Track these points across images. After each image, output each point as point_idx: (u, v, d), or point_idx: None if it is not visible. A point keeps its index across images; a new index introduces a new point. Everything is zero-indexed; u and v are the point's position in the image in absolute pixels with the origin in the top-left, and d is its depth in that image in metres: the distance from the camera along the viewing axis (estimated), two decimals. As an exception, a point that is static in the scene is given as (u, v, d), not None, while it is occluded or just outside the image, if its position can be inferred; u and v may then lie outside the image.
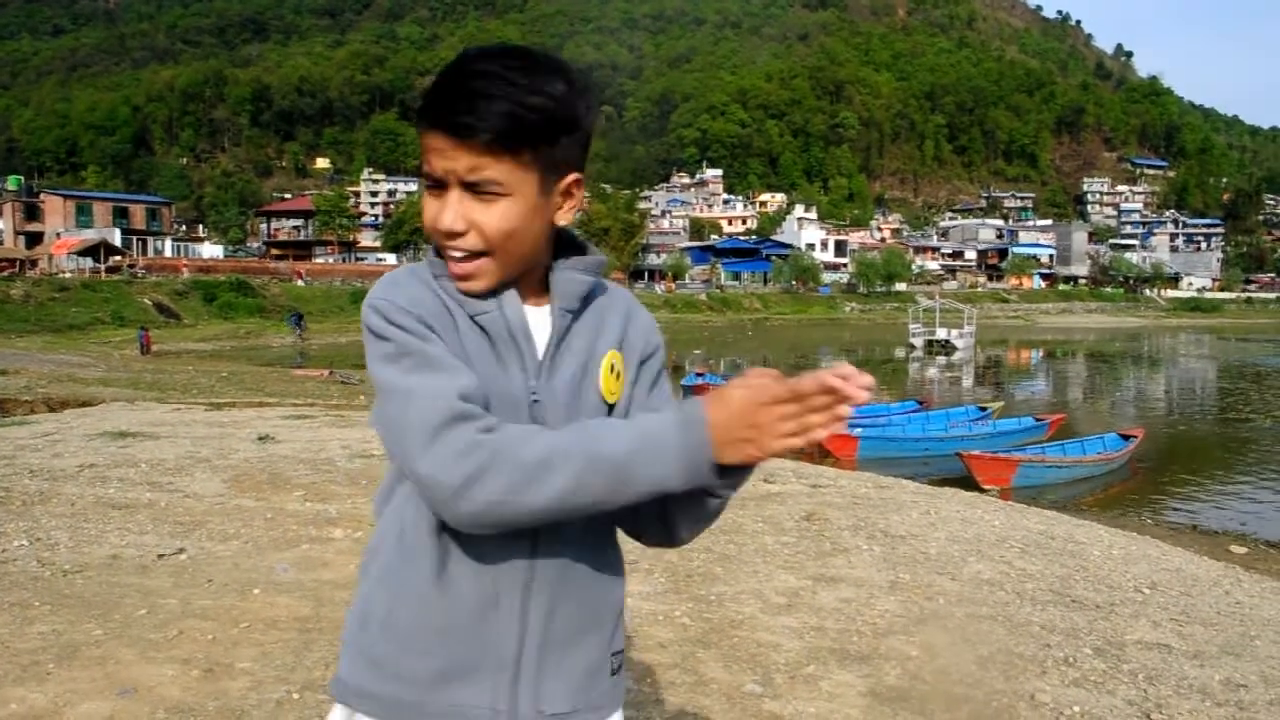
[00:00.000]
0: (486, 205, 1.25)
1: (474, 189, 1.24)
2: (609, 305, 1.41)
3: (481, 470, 1.14)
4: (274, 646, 4.27)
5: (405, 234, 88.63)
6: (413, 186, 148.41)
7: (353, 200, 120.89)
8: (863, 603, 5.23)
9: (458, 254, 1.28)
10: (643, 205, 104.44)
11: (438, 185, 1.27)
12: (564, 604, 1.32)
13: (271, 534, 6.23)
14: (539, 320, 1.35)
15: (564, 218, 1.33)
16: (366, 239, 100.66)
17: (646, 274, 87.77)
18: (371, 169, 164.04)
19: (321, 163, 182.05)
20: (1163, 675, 4.56)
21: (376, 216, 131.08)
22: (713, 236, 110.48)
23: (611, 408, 1.38)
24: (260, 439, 10.03)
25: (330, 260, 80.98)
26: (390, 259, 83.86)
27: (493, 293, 1.32)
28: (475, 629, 1.29)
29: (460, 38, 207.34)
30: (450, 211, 1.26)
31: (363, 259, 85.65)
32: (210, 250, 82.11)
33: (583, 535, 1.32)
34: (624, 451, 1.16)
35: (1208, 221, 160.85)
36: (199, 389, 19.05)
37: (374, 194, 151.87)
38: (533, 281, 1.36)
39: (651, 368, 1.43)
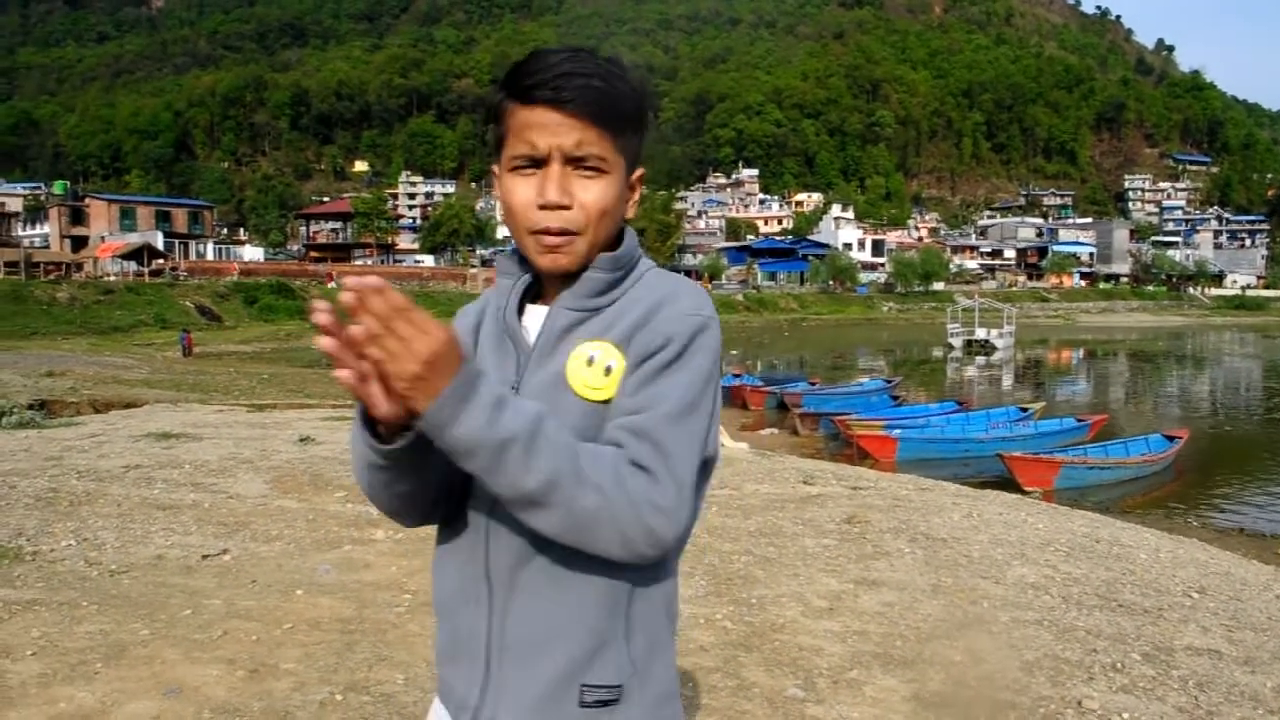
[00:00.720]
0: (587, 182, 1.28)
1: (579, 163, 1.27)
2: (634, 299, 1.31)
3: None
4: (317, 647, 4.30)
5: (443, 235, 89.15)
6: (450, 188, 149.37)
7: (390, 203, 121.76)
8: (905, 606, 5.18)
9: (554, 227, 1.27)
10: (679, 206, 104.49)
11: (532, 165, 1.28)
12: (515, 614, 1.28)
13: (314, 535, 6.27)
14: (538, 318, 1.37)
15: (631, 210, 1.38)
16: (405, 241, 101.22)
17: (683, 275, 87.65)
18: (409, 171, 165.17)
19: (360, 166, 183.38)
20: (1213, 682, 4.48)
21: (414, 219, 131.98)
22: (749, 237, 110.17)
23: (601, 404, 1.26)
24: (301, 440, 10.11)
25: (369, 262, 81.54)
26: (428, 260, 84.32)
27: (509, 288, 1.39)
28: (459, 614, 1.34)
29: (496, 40, 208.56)
30: (555, 184, 1.26)
31: (401, 261, 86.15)
32: (251, 253, 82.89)
33: (534, 539, 1.24)
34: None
35: (1252, 218, 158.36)
36: (240, 390, 19.26)
37: (411, 196, 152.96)
38: (557, 277, 1.35)
39: (654, 361, 1.25)
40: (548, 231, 1.28)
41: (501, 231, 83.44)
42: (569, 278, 1.32)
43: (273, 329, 46.63)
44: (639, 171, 1.37)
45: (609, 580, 1.26)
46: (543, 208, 1.27)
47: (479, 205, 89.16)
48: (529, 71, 1.26)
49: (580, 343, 1.29)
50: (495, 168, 1.36)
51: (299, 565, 5.58)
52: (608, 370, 1.27)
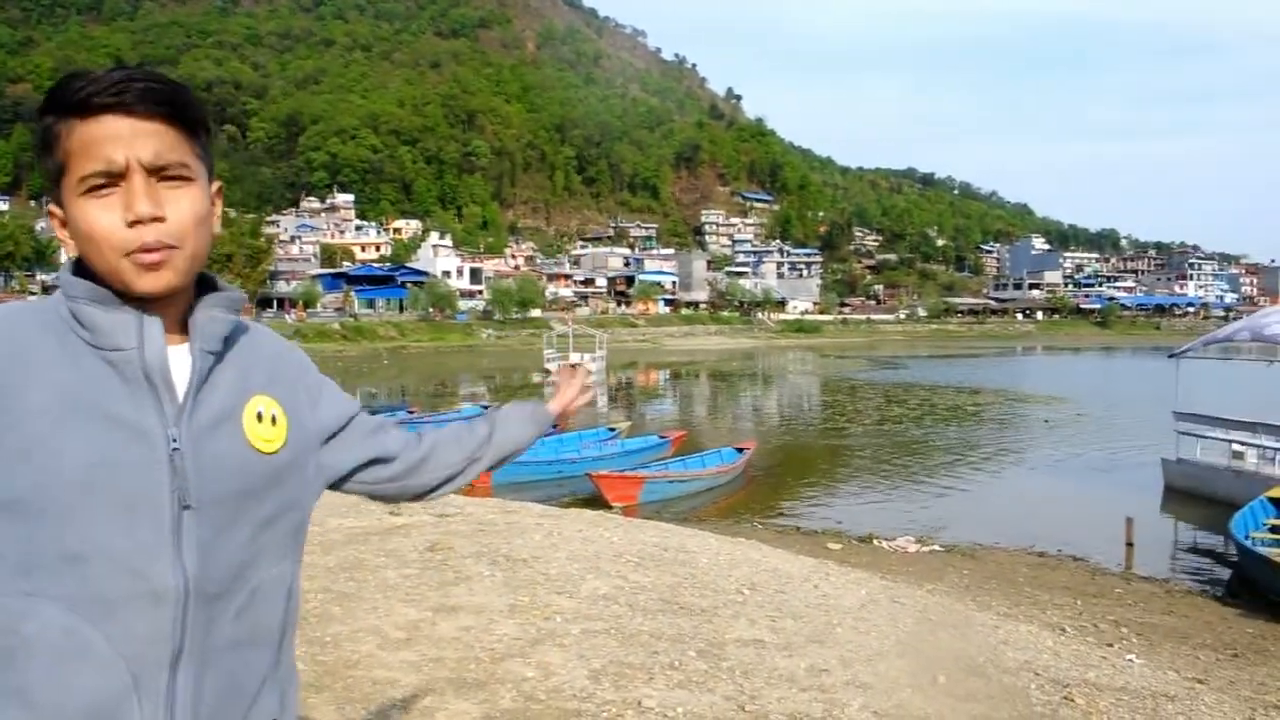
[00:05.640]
0: (175, 193, 1.19)
1: (161, 174, 1.18)
2: (252, 345, 1.33)
3: None
4: None
5: (-6, 258, 78.86)
6: (3, 205, 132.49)
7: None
8: (482, 629, 5.25)
9: (152, 242, 1.16)
10: (270, 230, 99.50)
11: (108, 183, 1.15)
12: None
13: None
14: (178, 360, 1.23)
15: (216, 225, 1.30)
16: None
17: (276, 302, 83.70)
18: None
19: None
20: (756, 669, 4.94)
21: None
22: (345, 263, 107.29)
23: (272, 455, 1.27)
24: None
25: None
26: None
27: (137, 326, 1.20)
28: None
29: (59, 43, 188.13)
30: (143, 196, 1.15)
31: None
32: None
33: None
34: None
35: (808, 251, 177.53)
36: None
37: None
38: (174, 316, 1.25)
39: (339, 405, 1.46)
40: (145, 249, 1.16)
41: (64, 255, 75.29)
42: (173, 309, 1.24)
43: None
44: (217, 183, 1.30)
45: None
46: (135, 223, 1.15)
47: (38, 225, 79.90)
48: (80, 85, 1.15)
49: (252, 396, 1.28)
50: (52, 206, 1.22)
51: None
52: (274, 420, 1.28)
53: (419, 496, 1.61)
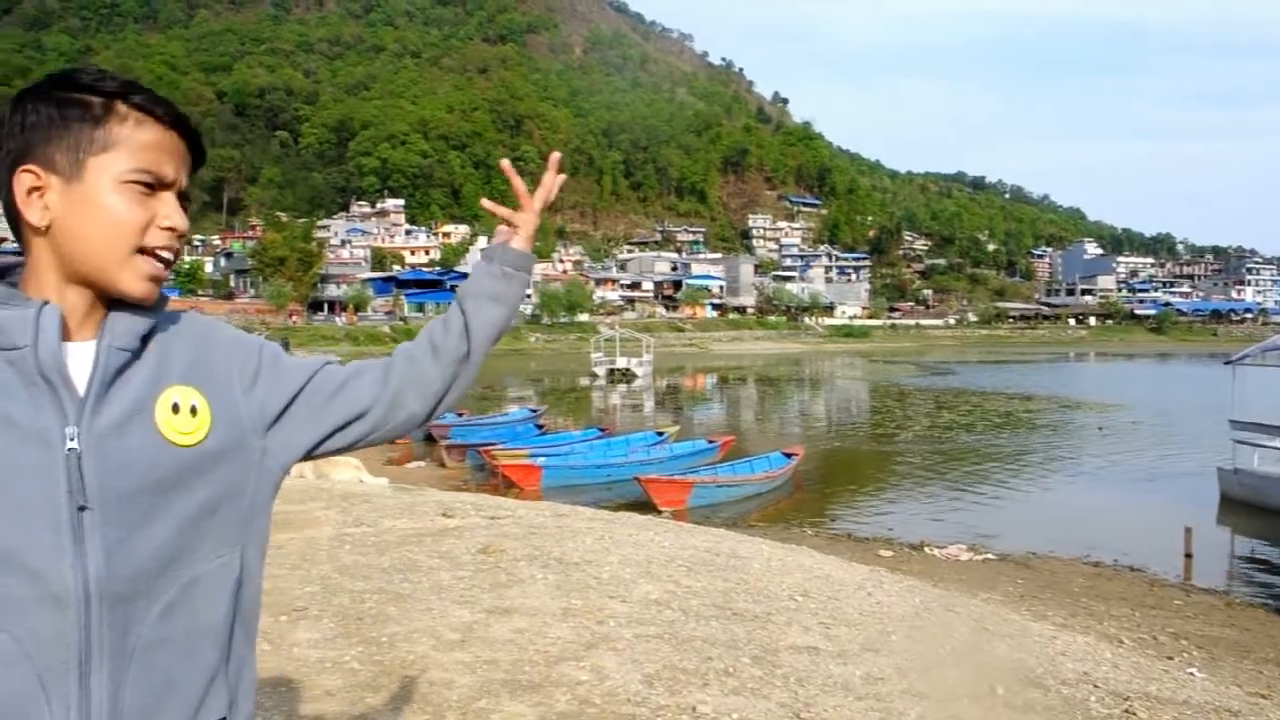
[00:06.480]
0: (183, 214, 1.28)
1: (182, 198, 1.26)
2: (175, 337, 1.29)
3: None
4: None
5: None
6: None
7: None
8: (535, 632, 5.26)
9: (167, 256, 1.24)
10: (321, 234, 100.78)
11: (149, 186, 1.22)
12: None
13: None
14: (81, 357, 1.19)
15: None
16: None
17: (326, 305, 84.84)
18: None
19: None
20: (811, 676, 4.91)
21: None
22: (395, 267, 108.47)
23: (194, 447, 1.23)
24: None
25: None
26: None
27: (34, 322, 1.16)
28: None
29: (117, 51, 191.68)
30: (179, 213, 1.25)
31: None
32: None
33: None
34: None
35: (856, 255, 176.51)
36: None
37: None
38: (82, 309, 1.22)
39: (285, 380, 1.36)
40: (160, 258, 1.23)
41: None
42: (86, 301, 1.22)
43: None
44: None
45: None
46: (169, 230, 1.23)
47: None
48: (145, 92, 1.22)
49: (166, 388, 1.23)
50: (35, 167, 1.18)
51: None
52: (194, 411, 1.25)
53: (416, 427, 1.51)
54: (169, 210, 1.23)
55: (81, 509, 1.14)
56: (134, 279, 1.20)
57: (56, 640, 1.13)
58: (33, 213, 1.19)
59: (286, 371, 1.37)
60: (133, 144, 1.20)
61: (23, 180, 1.19)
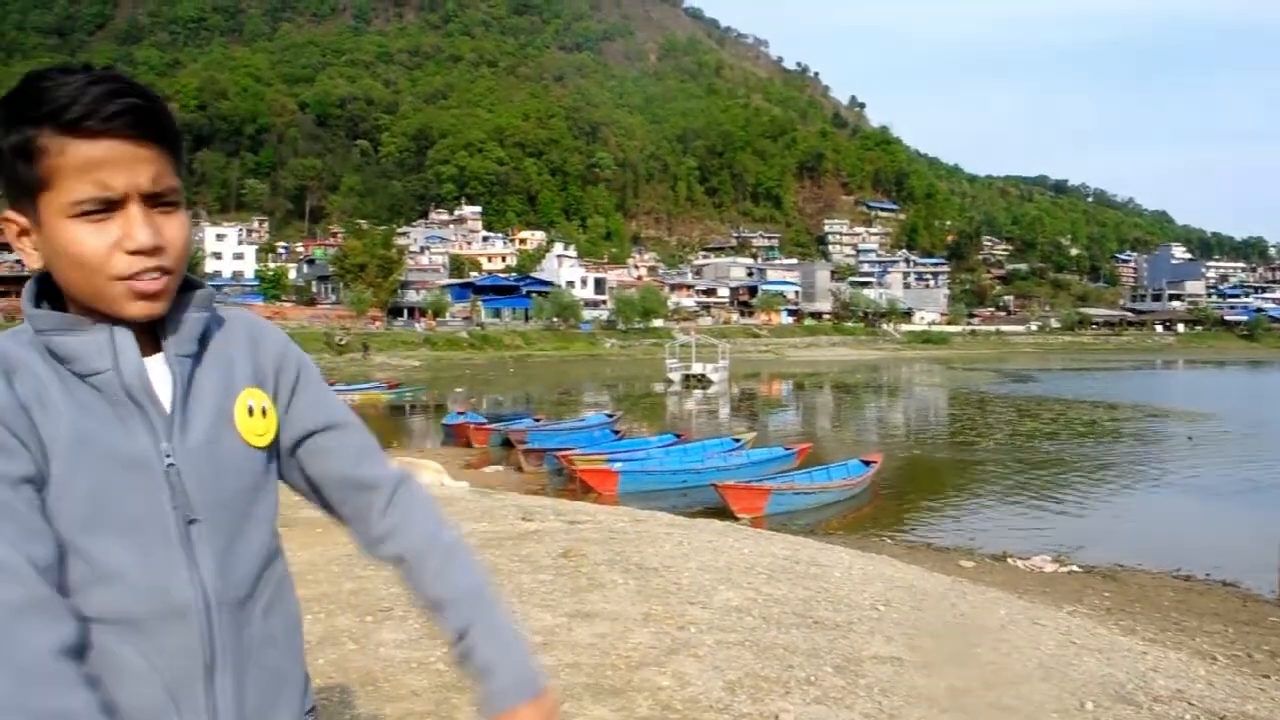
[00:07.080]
0: (168, 219, 1.17)
1: (156, 201, 1.15)
2: (229, 338, 1.29)
3: None
4: None
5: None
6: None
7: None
8: (617, 636, 5.28)
9: (152, 273, 1.15)
10: (400, 241, 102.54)
11: (102, 209, 1.12)
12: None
13: None
14: (156, 373, 1.20)
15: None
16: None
17: (406, 311, 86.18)
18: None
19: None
20: (895, 687, 4.85)
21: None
22: (472, 274, 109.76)
23: (266, 449, 1.28)
24: None
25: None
26: None
27: (110, 344, 1.17)
28: None
29: (204, 64, 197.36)
30: (144, 228, 1.12)
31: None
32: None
33: None
34: None
35: (935, 260, 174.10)
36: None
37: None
38: (144, 325, 1.20)
39: (302, 384, 1.34)
40: (144, 278, 1.14)
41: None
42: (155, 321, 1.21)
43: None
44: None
45: None
46: (135, 253, 1.13)
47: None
48: (63, 97, 1.09)
49: (240, 391, 1.26)
50: (10, 213, 1.16)
51: None
52: (264, 412, 1.28)
53: (365, 547, 1.41)
54: (131, 229, 1.12)
55: (190, 522, 1.17)
56: (126, 305, 1.16)
57: (182, 651, 1.17)
58: (26, 256, 1.18)
59: (322, 399, 1.36)
60: (67, 171, 1.10)
61: (8, 228, 1.18)
